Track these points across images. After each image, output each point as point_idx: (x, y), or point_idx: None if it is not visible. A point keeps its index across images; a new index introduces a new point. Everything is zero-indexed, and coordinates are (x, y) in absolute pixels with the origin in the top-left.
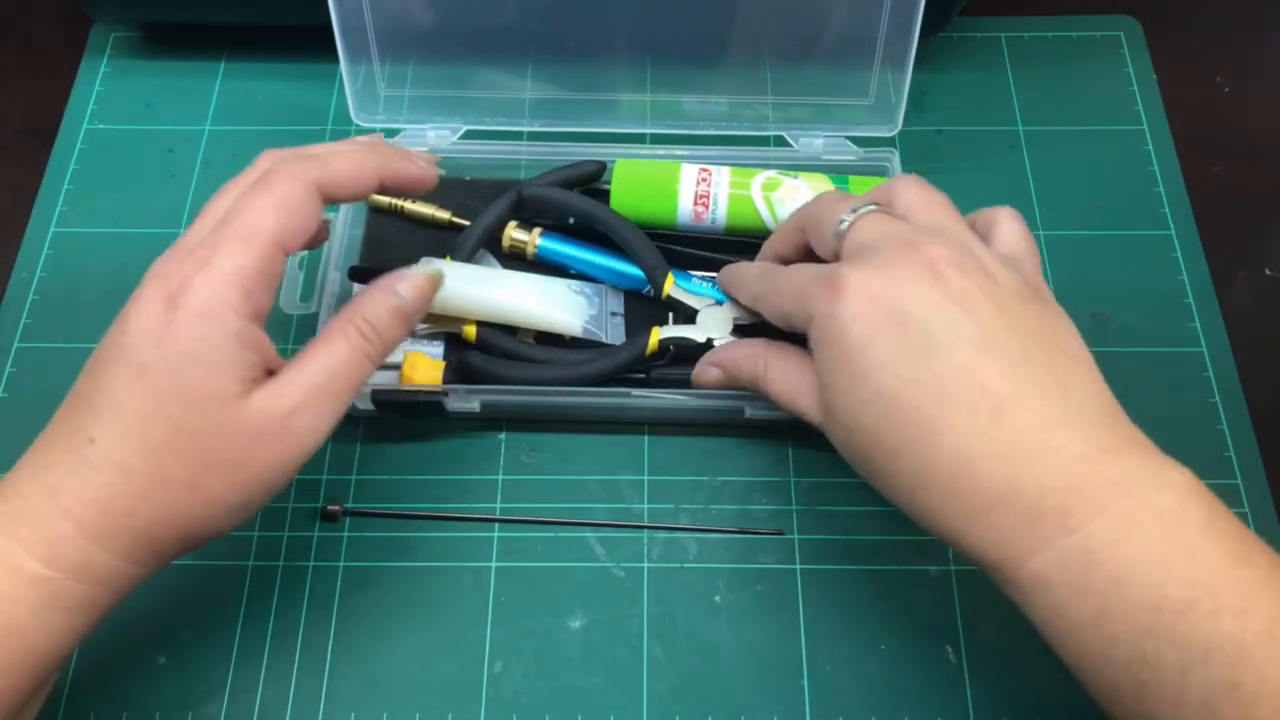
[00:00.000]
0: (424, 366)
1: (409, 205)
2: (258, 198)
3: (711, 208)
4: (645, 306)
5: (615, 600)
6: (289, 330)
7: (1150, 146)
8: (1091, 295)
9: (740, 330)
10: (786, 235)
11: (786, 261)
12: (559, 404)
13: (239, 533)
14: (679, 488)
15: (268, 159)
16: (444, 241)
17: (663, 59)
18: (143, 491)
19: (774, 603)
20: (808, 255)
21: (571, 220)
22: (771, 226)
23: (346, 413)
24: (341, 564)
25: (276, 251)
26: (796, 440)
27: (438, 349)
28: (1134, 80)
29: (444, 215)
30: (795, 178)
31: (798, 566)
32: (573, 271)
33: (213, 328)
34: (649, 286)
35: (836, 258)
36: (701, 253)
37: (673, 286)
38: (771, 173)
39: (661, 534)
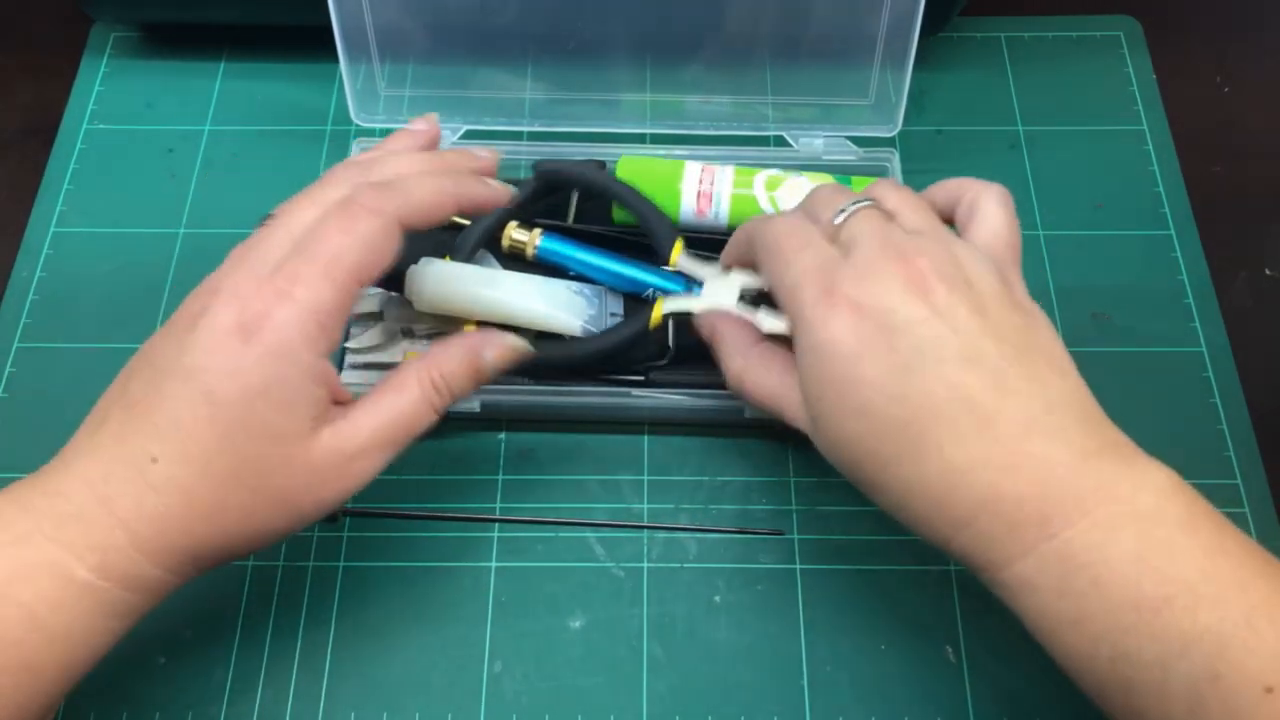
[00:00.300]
0: None
1: None
2: (342, 231)
3: (714, 205)
4: (645, 307)
5: (615, 600)
6: None
7: (1150, 146)
8: (1091, 295)
9: (747, 300)
10: (739, 246)
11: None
12: (559, 404)
13: None
14: (679, 488)
15: (344, 181)
16: (444, 241)
17: (663, 59)
18: (201, 516)
19: (774, 603)
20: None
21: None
22: None
23: None
24: (341, 564)
25: (356, 287)
26: (796, 440)
27: None
28: (1134, 80)
29: None
30: (799, 175)
31: (797, 566)
32: (572, 272)
33: (288, 366)
34: (649, 290)
35: (830, 240)
36: (704, 252)
37: (681, 254)
38: (774, 171)
39: (661, 534)
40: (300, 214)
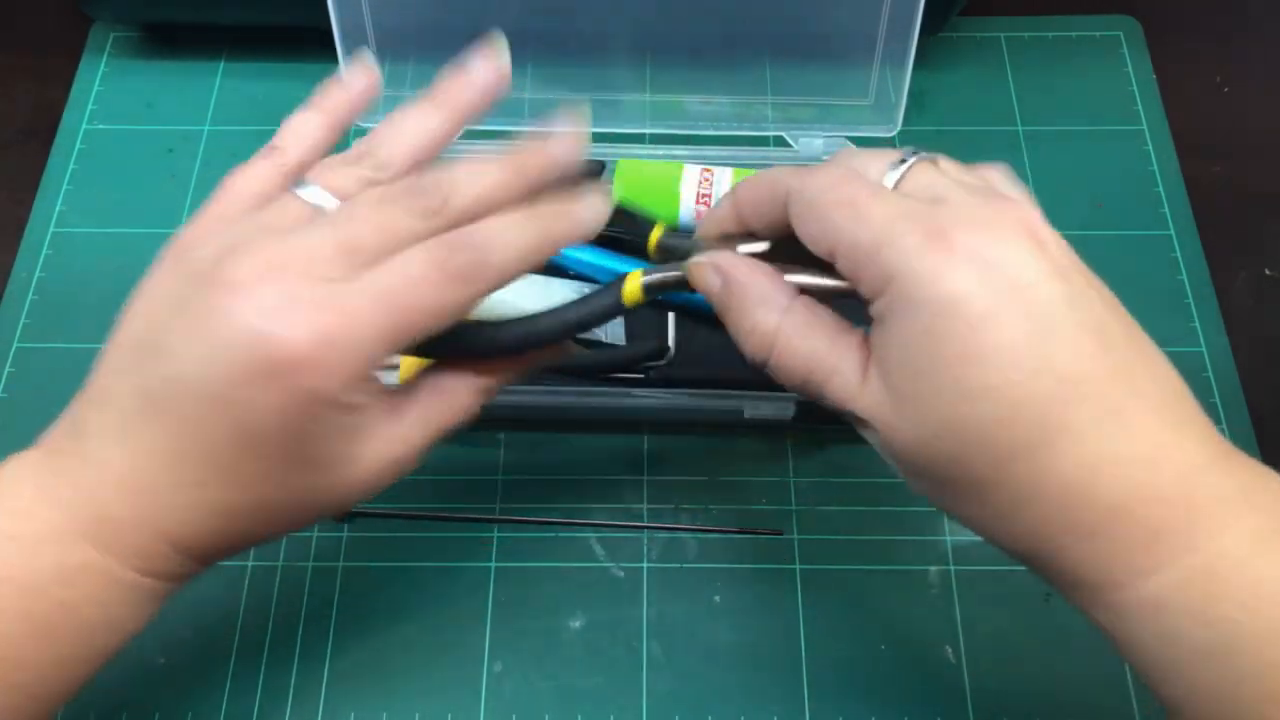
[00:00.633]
0: (423, 367)
1: None
2: (433, 286)
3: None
4: (645, 307)
5: (615, 600)
6: None
7: (1150, 146)
8: None
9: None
10: (758, 205)
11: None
12: (559, 404)
13: None
14: (679, 488)
15: (406, 195)
16: None
17: (663, 59)
18: (242, 531)
19: (774, 603)
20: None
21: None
22: None
23: None
24: (341, 564)
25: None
26: (796, 440)
27: None
28: (1134, 80)
29: None
30: None
31: (797, 566)
32: (572, 272)
33: (331, 410)
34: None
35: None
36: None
37: (663, 234)
38: None
39: (661, 534)
40: (346, 209)
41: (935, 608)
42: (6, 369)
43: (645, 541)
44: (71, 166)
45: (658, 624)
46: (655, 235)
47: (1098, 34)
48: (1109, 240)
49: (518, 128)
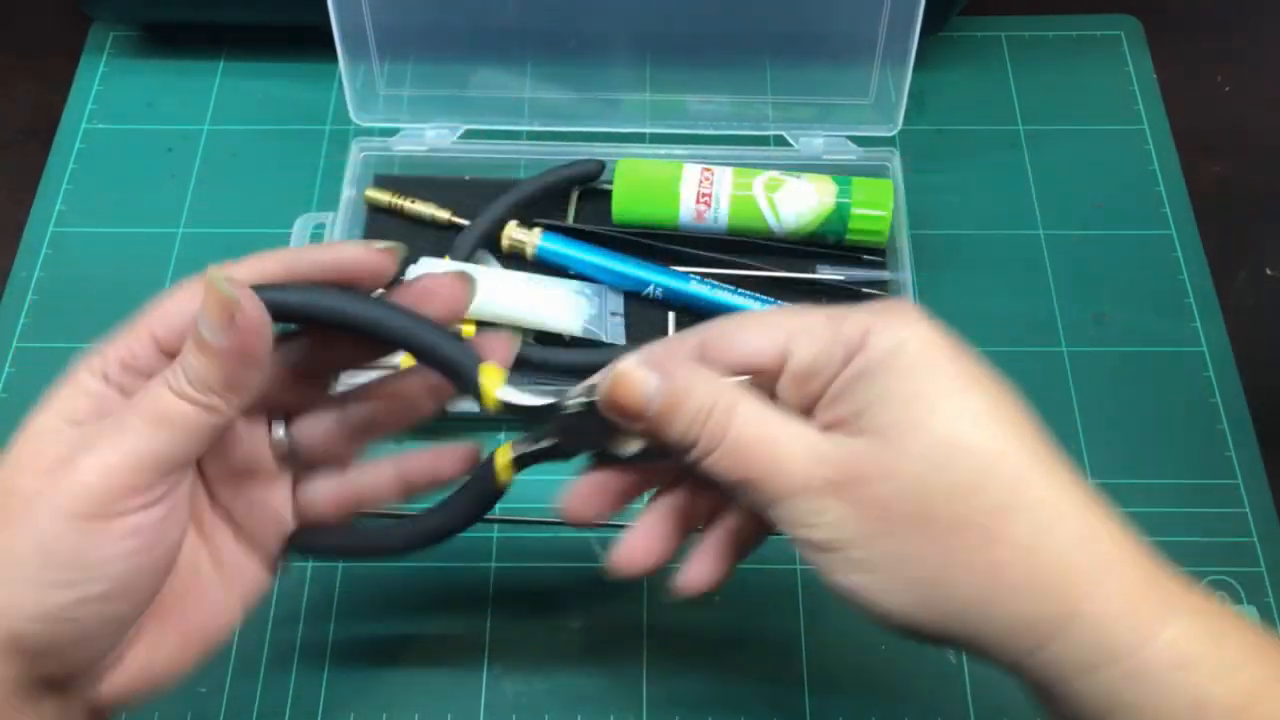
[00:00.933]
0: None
1: (409, 205)
2: None
3: (714, 207)
4: (645, 307)
5: (615, 600)
6: None
7: (1150, 146)
8: (1091, 295)
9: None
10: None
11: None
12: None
13: None
14: None
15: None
16: (443, 241)
17: (663, 59)
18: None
19: (774, 603)
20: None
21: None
22: (774, 226)
23: None
24: (341, 564)
25: None
26: None
27: None
28: (1134, 80)
29: (444, 215)
30: (798, 178)
31: (797, 566)
32: (572, 272)
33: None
34: (651, 286)
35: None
36: (704, 253)
37: (503, 388)
38: (774, 173)
39: None
40: None
41: None
42: (6, 369)
43: None
44: (71, 166)
45: (658, 624)
46: (489, 388)
47: (1098, 33)
48: (1109, 240)
49: (517, 127)
